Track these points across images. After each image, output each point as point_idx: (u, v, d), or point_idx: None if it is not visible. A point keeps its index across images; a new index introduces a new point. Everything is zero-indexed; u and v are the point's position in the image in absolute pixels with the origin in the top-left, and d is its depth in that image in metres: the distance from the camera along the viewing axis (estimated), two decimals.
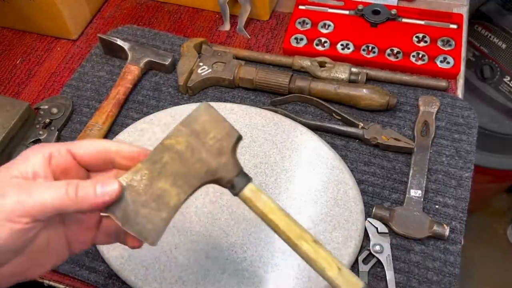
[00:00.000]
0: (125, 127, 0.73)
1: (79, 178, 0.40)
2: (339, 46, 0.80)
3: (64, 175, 0.39)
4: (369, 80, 0.77)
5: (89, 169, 0.42)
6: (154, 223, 0.38)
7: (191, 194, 0.40)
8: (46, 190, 0.36)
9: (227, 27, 0.87)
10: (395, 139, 0.69)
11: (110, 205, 0.38)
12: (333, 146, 0.70)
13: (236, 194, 0.41)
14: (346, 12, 0.85)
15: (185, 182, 0.40)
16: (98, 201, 0.37)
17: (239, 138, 0.42)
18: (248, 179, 0.41)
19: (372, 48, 0.79)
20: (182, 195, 0.39)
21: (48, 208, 0.35)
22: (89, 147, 0.40)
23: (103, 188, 0.37)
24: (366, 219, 0.62)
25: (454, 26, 0.81)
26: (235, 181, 0.41)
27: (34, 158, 0.37)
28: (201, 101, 0.76)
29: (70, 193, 0.36)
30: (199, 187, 0.40)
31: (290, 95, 0.75)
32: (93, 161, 0.41)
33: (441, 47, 0.79)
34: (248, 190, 0.41)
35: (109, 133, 0.75)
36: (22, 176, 0.37)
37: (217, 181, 0.41)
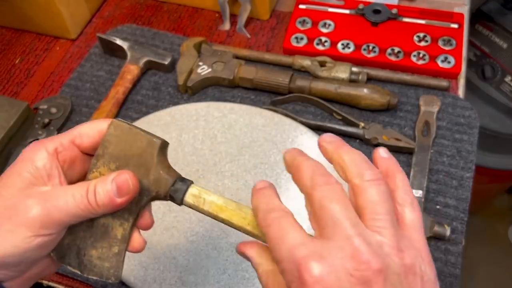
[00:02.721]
0: None
1: (84, 166, 0.39)
2: (339, 46, 0.80)
3: (71, 167, 0.38)
4: (370, 79, 0.76)
5: (92, 154, 0.40)
6: (110, 261, 0.38)
7: (135, 220, 0.38)
8: (68, 199, 0.35)
9: (227, 26, 0.87)
10: (396, 139, 0.68)
11: (65, 255, 0.38)
12: None
13: (180, 204, 0.38)
14: (347, 11, 0.84)
15: (124, 211, 0.38)
16: (119, 202, 0.36)
17: (164, 144, 0.38)
18: (186, 184, 0.38)
19: (373, 47, 0.79)
20: (126, 224, 0.38)
21: (74, 217, 0.35)
22: (89, 132, 0.38)
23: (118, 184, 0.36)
24: None
25: (455, 26, 0.81)
26: (172, 192, 0.38)
27: (40, 159, 0.36)
28: (200, 101, 0.76)
29: (91, 200, 0.35)
30: (141, 209, 0.38)
31: (290, 94, 0.75)
32: (96, 146, 0.38)
33: (442, 47, 0.78)
34: (189, 197, 0.38)
35: None
36: (37, 181, 0.35)
37: (157, 198, 0.38)
